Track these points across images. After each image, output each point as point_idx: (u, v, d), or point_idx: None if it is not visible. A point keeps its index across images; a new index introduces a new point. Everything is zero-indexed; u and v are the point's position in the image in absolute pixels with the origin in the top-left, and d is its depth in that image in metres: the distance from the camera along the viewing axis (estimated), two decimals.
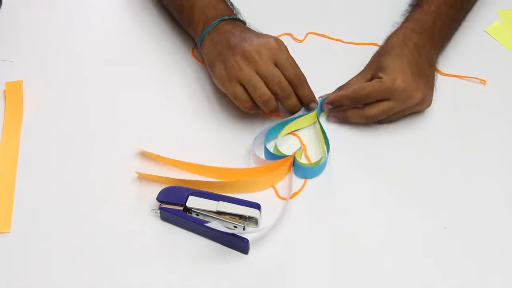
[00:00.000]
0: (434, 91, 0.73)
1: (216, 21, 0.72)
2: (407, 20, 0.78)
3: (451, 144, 0.73)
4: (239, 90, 0.67)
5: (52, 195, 0.67)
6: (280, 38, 0.82)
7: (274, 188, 0.68)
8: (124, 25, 0.86)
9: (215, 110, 0.75)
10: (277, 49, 0.67)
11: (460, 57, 0.82)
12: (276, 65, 0.67)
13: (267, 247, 0.63)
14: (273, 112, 0.70)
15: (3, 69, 0.79)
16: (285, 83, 0.68)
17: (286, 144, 0.72)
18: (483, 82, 0.79)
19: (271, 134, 0.72)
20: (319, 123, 0.72)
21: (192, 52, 0.82)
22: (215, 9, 0.73)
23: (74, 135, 0.73)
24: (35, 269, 0.61)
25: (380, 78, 0.69)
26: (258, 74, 0.66)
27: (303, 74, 0.69)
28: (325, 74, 0.77)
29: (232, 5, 0.78)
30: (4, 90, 0.77)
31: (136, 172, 0.67)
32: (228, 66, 0.67)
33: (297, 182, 0.69)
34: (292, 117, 0.72)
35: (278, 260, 0.62)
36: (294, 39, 0.84)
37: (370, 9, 0.89)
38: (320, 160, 0.68)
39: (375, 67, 0.73)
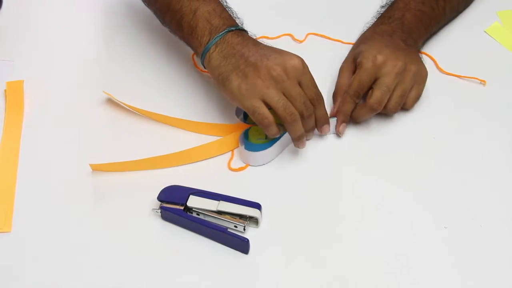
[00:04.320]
0: (421, 61, 0.76)
1: (223, 31, 0.69)
2: (376, 18, 0.82)
3: (451, 143, 0.73)
4: (260, 106, 0.66)
5: (53, 195, 0.67)
6: (280, 38, 0.84)
7: (232, 153, 0.71)
8: (125, 25, 0.86)
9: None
10: (302, 69, 0.66)
11: (460, 57, 0.82)
12: (299, 84, 0.67)
13: (267, 247, 0.63)
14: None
15: (4, 69, 0.80)
16: (308, 102, 0.68)
17: None
18: (482, 82, 0.79)
19: None
20: None
21: (193, 56, 0.82)
22: (220, 18, 0.71)
23: (74, 134, 0.73)
24: (35, 269, 0.61)
25: (360, 63, 0.72)
26: (284, 93, 0.66)
27: (321, 94, 0.69)
28: (325, 75, 0.77)
29: (236, 15, 0.75)
30: (5, 90, 0.77)
31: (90, 165, 0.67)
32: (251, 82, 0.66)
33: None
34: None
35: (278, 260, 0.62)
36: (294, 39, 0.84)
37: (370, 10, 0.89)
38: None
39: (352, 57, 0.76)
